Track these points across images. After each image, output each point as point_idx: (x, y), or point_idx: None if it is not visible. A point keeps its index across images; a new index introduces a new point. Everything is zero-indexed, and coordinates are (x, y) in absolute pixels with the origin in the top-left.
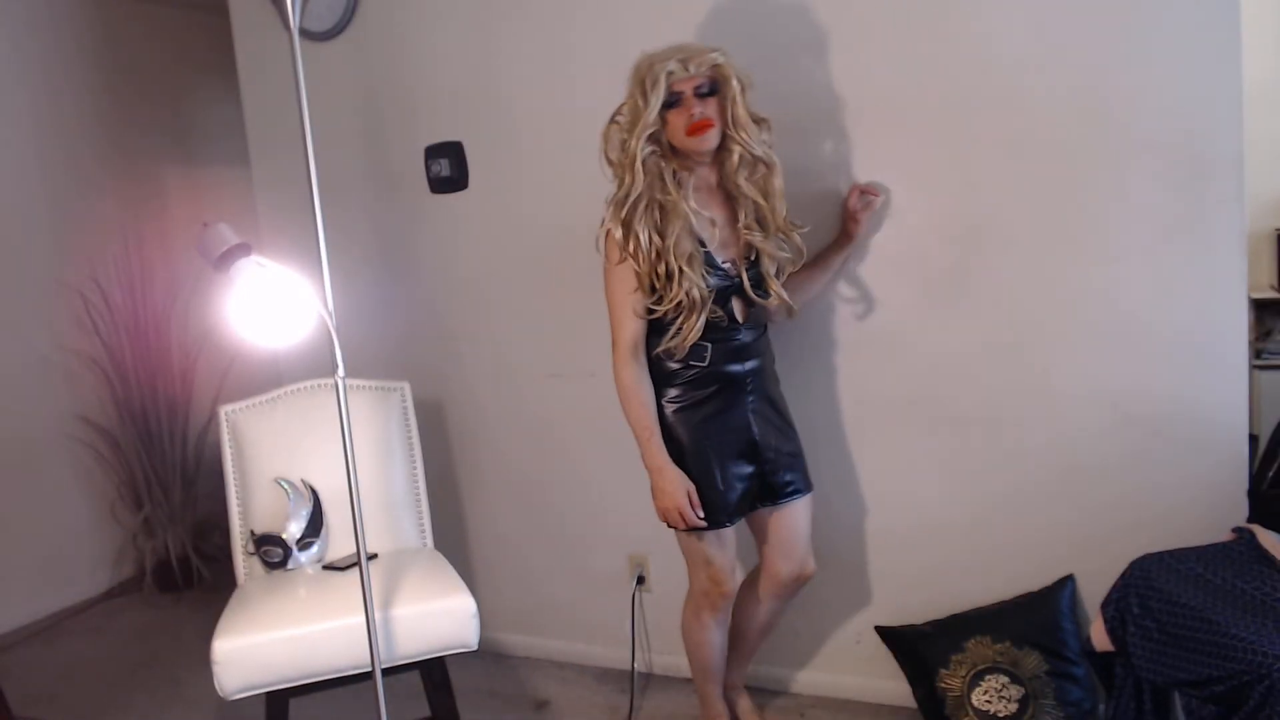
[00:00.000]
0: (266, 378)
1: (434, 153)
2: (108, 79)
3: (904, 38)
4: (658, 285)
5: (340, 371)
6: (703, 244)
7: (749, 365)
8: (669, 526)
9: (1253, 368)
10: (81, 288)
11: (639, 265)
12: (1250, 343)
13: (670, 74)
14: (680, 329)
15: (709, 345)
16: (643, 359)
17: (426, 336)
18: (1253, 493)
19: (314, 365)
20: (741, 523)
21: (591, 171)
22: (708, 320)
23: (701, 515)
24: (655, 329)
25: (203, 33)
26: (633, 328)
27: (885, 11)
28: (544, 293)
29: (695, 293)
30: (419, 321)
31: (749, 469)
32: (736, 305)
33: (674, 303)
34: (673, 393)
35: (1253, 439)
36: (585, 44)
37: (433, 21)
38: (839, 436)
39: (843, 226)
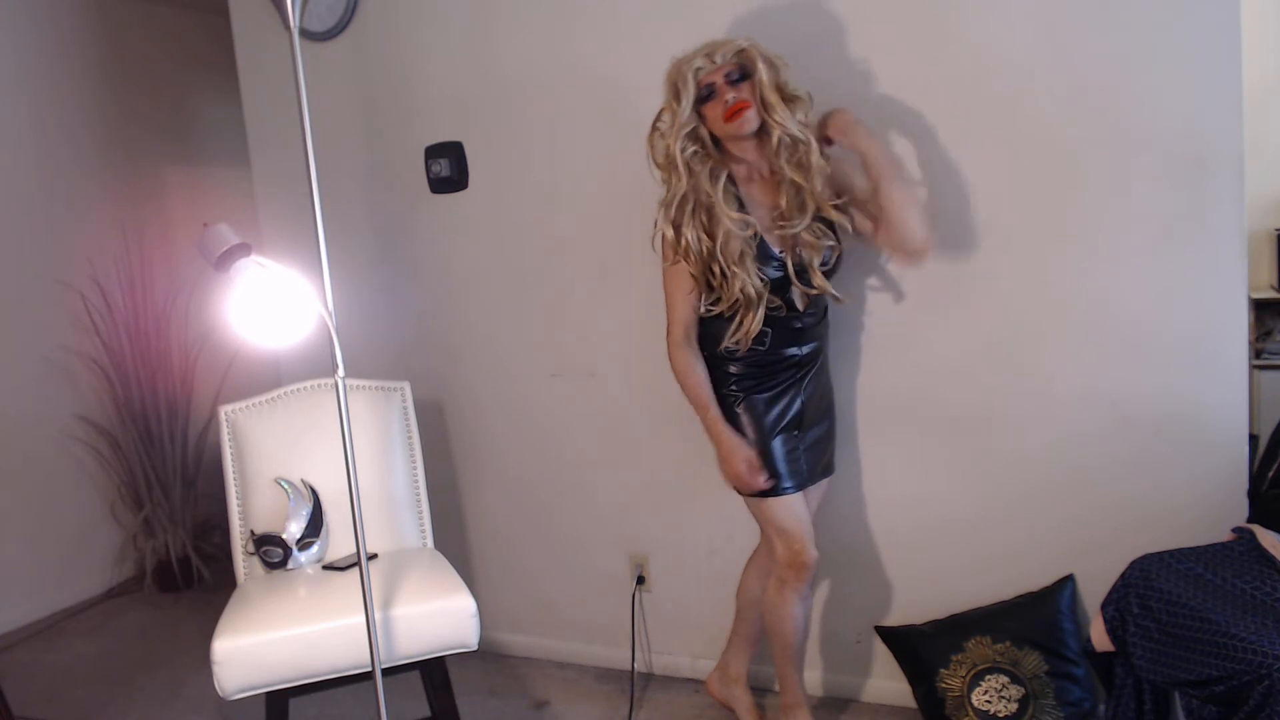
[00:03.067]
0: (266, 378)
1: (434, 153)
2: (108, 78)
3: (904, 39)
4: (714, 283)
5: (340, 371)
6: (757, 235)
7: (807, 348)
8: (739, 493)
9: (1253, 368)
10: (81, 288)
11: (692, 267)
12: (1250, 343)
13: (698, 70)
14: (740, 324)
15: (769, 331)
16: (694, 343)
17: (426, 336)
18: (1253, 493)
19: (314, 365)
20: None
21: (591, 172)
22: (781, 304)
23: (767, 479)
24: (718, 319)
25: (203, 32)
26: (686, 319)
27: (885, 13)
28: (544, 293)
29: (749, 290)
30: (419, 321)
31: (797, 442)
32: (797, 293)
33: (730, 302)
34: (734, 370)
35: (1253, 439)
36: (586, 44)
37: (433, 21)
38: (839, 437)
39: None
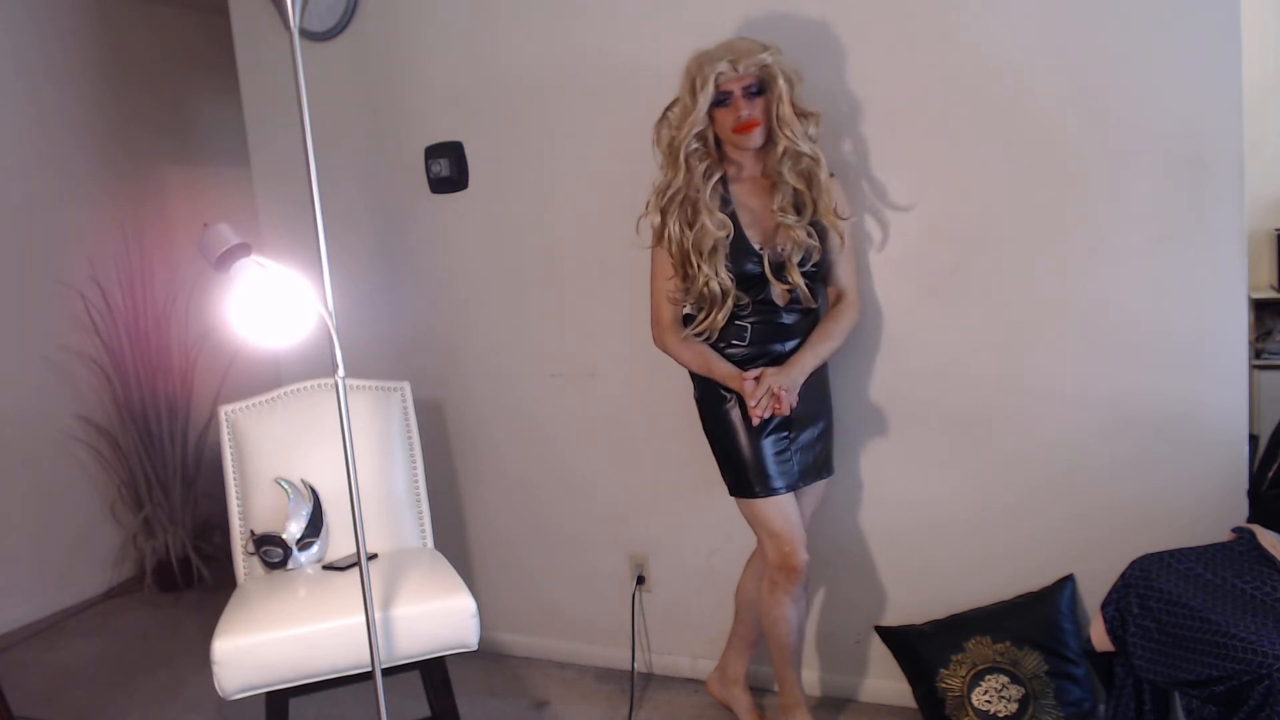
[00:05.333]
0: (266, 378)
1: (434, 153)
2: (108, 78)
3: (904, 39)
4: (689, 273)
5: (340, 371)
6: (739, 232)
7: (791, 345)
8: (774, 414)
9: (1253, 368)
10: (81, 288)
11: (671, 255)
12: (1250, 343)
13: (719, 74)
14: (707, 317)
15: (749, 325)
16: (681, 326)
17: (426, 336)
18: (1253, 493)
19: (314, 365)
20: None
21: (591, 171)
22: (750, 301)
23: (755, 377)
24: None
25: (203, 32)
26: (670, 310)
27: (885, 13)
28: (544, 292)
29: (715, 285)
30: (419, 321)
31: (788, 443)
32: (776, 289)
33: (695, 295)
34: None
35: (1253, 439)
36: (587, 44)
37: (433, 21)
38: (839, 436)
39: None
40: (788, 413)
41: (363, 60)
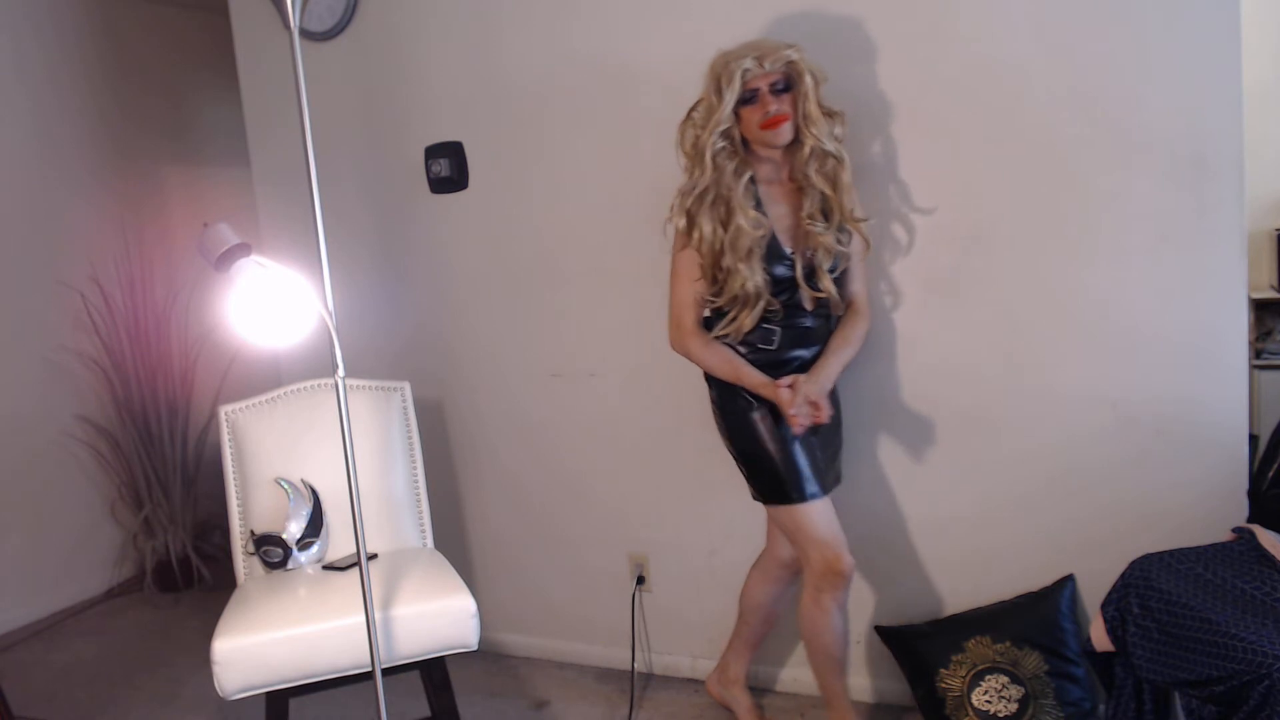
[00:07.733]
0: (266, 378)
1: (434, 153)
2: (108, 78)
3: (904, 40)
4: (719, 276)
5: (340, 371)
6: (768, 235)
7: (813, 350)
8: (808, 427)
9: (1253, 368)
10: (81, 288)
11: (702, 258)
12: (1250, 343)
13: (746, 71)
14: (735, 319)
15: (778, 330)
16: (705, 335)
17: (426, 336)
18: (1253, 493)
19: (314, 365)
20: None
21: (592, 171)
22: (780, 305)
23: (789, 385)
24: (715, 313)
25: (203, 32)
26: (691, 304)
27: (885, 14)
28: (544, 292)
29: (750, 286)
30: (419, 321)
31: (814, 448)
32: (805, 294)
33: (731, 296)
34: None
35: (1253, 439)
36: (587, 44)
37: (433, 21)
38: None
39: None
40: (826, 420)
41: (363, 60)
